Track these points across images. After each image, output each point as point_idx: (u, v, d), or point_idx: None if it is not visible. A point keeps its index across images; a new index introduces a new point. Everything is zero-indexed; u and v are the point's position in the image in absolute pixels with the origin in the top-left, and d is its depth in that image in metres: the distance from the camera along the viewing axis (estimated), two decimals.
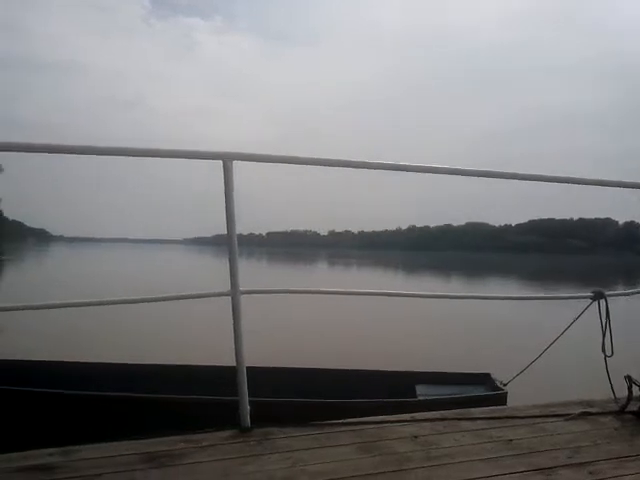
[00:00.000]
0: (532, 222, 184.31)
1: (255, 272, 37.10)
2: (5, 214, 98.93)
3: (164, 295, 2.91)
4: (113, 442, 2.57)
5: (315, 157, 2.70)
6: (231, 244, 2.67)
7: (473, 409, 3.21)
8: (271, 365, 5.68)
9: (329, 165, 2.73)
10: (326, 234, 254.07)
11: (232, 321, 2.71)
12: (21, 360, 6.53)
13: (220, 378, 4.70)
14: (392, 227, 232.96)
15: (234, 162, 2.61)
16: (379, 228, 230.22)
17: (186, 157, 2.53)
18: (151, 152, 2.52)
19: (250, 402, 2.75)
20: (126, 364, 6.11)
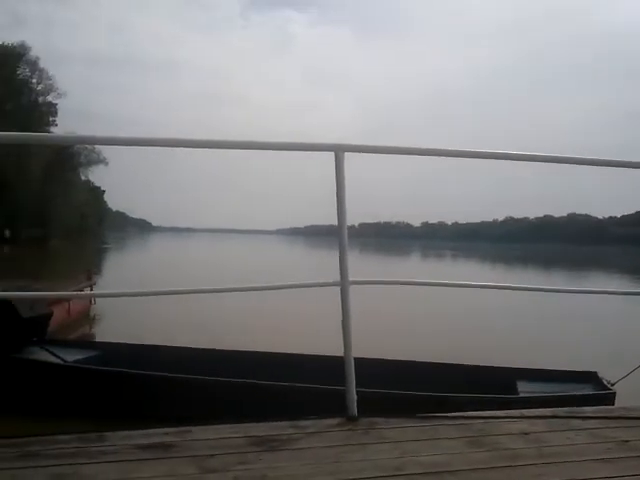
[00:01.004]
0: None
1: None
2: (109, 205, 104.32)
3: (276, 284, 2.98)
4: (223, 425, 2.67)
5: (426, 147, 2.71)
6: (341, 235, 2.71)
7: (585, 407, 3.10)
8: (372, 356, 5.73)
9: (440, 155, 2.73)
10: (419, 225, 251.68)
11: (341, 311, 2.74)
12: (142, 344, 6.93)
13: (323, 367, 4.81)
14: (488, 219, 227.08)
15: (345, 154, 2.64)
16: (474, 220, 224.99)
17: (299, 149, 2.59)
18: (266, 145, 2.59)
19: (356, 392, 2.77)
20: (235, 351, 6.38)
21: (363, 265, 35.03)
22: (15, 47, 60.91)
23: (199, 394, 5.01)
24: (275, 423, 2.66)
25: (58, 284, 11.98)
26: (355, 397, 2.75)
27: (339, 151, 2.63)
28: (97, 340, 7.47)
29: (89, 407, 5.41)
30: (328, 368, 4.99)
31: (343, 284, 2.74)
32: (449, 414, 2.85)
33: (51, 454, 2.39)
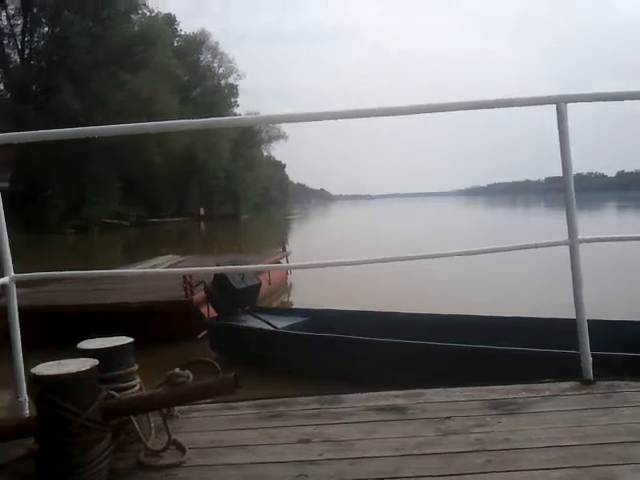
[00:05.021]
0: None
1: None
2: (290, 178, 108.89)
3: (499, 247, 2.92)
4: (454, 388, 2.69)
5: None
6: (568, 190, 2.58)
7: None
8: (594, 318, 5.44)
9: None
10: (613, 175, 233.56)
11: (571, 271, 2.62)
12: (344, 310, 7.19)
13: (549, 331, 4.67)
14: None
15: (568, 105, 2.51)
16: None
17: (519, 105, 2.52)
18: (484, 104, 2.53)
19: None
20: (462, 316, 6.42)
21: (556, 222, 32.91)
22: (196, 35, 65.17)
23: (427, 358, 5.12)
24: (508, 387, 2.63)
25: (259, 256, 12.77)
26: (590, 360, 2.64)
27: (562, 102, 2.51)
28: (300, 307, 7.84)
29: (304, 370, 5.72)
30: (549, 332, 4.86)
31: (572, 243, 2.61)
32: None
33: (295, 415, 2.56)
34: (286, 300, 11.63)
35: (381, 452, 2.14)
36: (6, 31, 41.60)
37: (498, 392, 2.59)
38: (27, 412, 2.71)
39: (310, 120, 2.87)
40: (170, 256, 12.78)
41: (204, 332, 7.06)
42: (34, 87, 41.35)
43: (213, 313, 7.39)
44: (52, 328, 6.94)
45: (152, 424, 2.34)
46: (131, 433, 2.27)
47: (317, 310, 7.39)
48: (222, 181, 56.82)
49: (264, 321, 6.82)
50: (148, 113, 35.09)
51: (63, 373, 2.02)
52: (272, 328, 6.65)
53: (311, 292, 10.92)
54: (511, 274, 12.52)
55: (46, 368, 2.08)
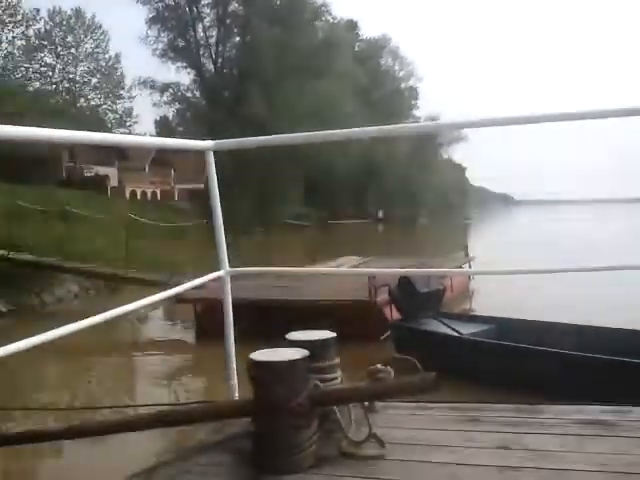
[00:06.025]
0: None
1: None
2: (471, 181, 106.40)
3: None
4: None
5: None
6: None
7: None
8: None
9: None
10: None
11: None
12: (534, 321, 6.94)
13: None
14: None
15: None
16: None
17: None
18: None
19: None
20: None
21: None
22: (377, 40, 66.21)
23: (621, 375, 4.86)
24: None
25: (441, 260, 12.69)
26: None
27: None
28: (484, 315, 7.69)
29: (491, 379, 5.61)
30: None
31: None
32: None
33: (492, 420, 2.55)
34: (468, 307, 11.43)
35: (586, 466, 2.07)
36: (202, 42, 45.04)
37: None
38: (236, 395, 2.95)
39: (495, 125, 2.81)
40: (353, 257, 13.11)
41: (387, 334, 7.18)
42: (226, 94, 44.40)
43: (396, 315, 7.49)
44: (251, 320, 7.42)
45: (352, 416, 2.45)
46: (334, 423, 2.40)
47: (502, 318, 7.21)
48: (400, 184, 57.04)
49: (448, 326, 6.80)
50: (331, 117, 36.17)
51: (278, 360, 2.19)
52: (457, 334, 6.60)
53: (494, 300, 10.62)
54: None
55: (262, 355, 2.27)
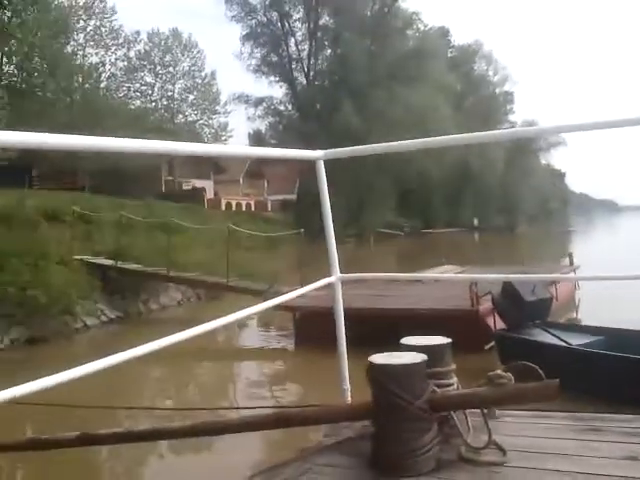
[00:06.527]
0: None
1: None
2: (571, 188, 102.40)
3: None
4: None
5: None
6: None
7: None
8: None
9: None
10: None
11: None
12: None
13: None
14: None
15: None
16: None
17: None
18: None
19: None
20: None
21: None
22: (470, 45, 65.25)
23: None
24: None
25: (544, 269, 12.26)
26: None
27: None
28: (593, 325, 7.36)
29: (605, 392, 5.40)
30: None
31: None
32: None
33: (616, 431, 2.46)
34: (574, 316, 10.99)
35: None
36: (294, 56, 46.00)
37: None
38: (349, 399, 2.98)
39: (596, 129, 2.70)
40: (450, 266, 12.90)
41: (491, 344, 7.02)
42: (318, 106, 44.99)
43: (500, 325, 7.31)
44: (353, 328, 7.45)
45: (469, 422, 2.42)
46: (452, 428, 2.39)
47: (612, 329, 6.90)
48: (496, 191, 55.69)
49: (556, 336, 6.56)
50: (423, 125, 35.90)
51: (399, 363, 2.21)
52: (566, 345, 6.36)
53: (602, 309, 10.16)
54: None
55: (382, 358, 2.29)
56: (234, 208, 38.52)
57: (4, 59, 34.46)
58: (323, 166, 3.01)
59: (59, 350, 10.74)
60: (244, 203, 41.78)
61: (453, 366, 2.55)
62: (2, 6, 13.01)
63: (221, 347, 10.81)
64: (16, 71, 36.30)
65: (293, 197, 44.31)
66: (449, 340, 2.56)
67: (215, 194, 40.97)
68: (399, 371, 2.18)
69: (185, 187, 39.26)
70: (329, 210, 3.09)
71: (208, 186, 40.73)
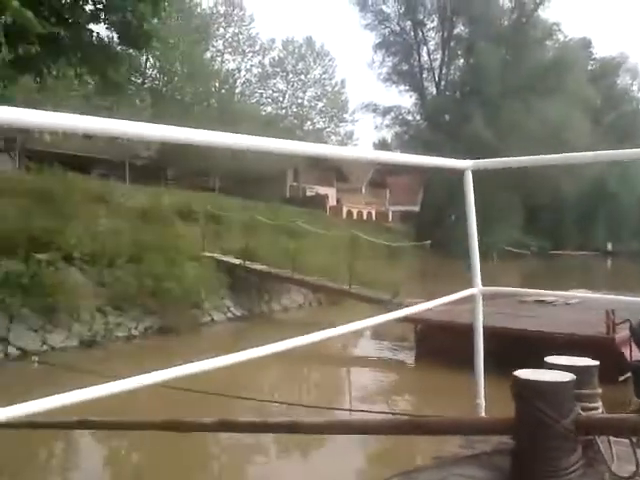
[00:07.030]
0: None
1: None
2: None
3: None
4: None
5: None
6: None
7: None
8: None
9: None
10: None
11: None
12: None
13: None
14: None
15: None
16: None
17: None
18: None
19: None
20: None
21: None
22: (614, 58, 61.91)
23: None
24: None
25: None
26: None
27: None
28: None
29: None
30: None
31: None
32: None
33: None
34: None
35: None
36: (426, 66, 45.56)
37: None
38: (482, 413, 2.95)
39: None
40: (583, 290, 12.28)
41: (626, 375, 6.62)
42: (447, 117, 44.30)
43: (636, 356, 6.89)
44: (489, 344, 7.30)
45: (613, 449, 2.33)
46: (597, 453, 2.30)
47: None
48: (634, 214, 52.26)
49: None
50: (559, 139, 34.43)
51: (547, 380, 2.17)
52: None
53: None
54: None
55: (528, 373, 2.25)
56: (355, 216, 38.82)
57: (148, 63, 36.83)
58: (471, 176, 3.00)
59: (188, 341, 11.31)
60: (365, 212, 42.00)
61: (599, 390, 2.46)
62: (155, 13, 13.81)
63: (337, 354, 10.86)
64: (159, 75, 38.70)
65: (415, 208, 43.95)
66: (596, 362, 2.47)
67: (337, 201, 41.50)
68: (546, 388, 2.14)
69: (309, 193, 40.08)
70: (474, 221, 3.08)
71: (331, 193, 41.34)
